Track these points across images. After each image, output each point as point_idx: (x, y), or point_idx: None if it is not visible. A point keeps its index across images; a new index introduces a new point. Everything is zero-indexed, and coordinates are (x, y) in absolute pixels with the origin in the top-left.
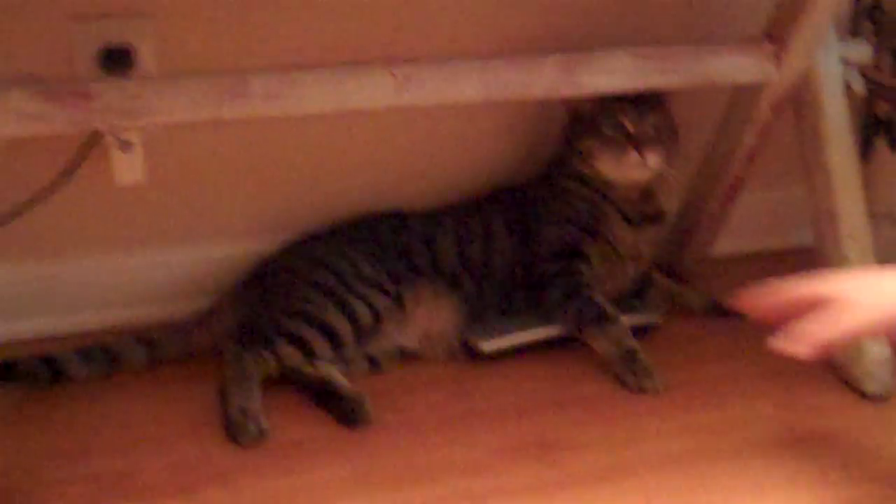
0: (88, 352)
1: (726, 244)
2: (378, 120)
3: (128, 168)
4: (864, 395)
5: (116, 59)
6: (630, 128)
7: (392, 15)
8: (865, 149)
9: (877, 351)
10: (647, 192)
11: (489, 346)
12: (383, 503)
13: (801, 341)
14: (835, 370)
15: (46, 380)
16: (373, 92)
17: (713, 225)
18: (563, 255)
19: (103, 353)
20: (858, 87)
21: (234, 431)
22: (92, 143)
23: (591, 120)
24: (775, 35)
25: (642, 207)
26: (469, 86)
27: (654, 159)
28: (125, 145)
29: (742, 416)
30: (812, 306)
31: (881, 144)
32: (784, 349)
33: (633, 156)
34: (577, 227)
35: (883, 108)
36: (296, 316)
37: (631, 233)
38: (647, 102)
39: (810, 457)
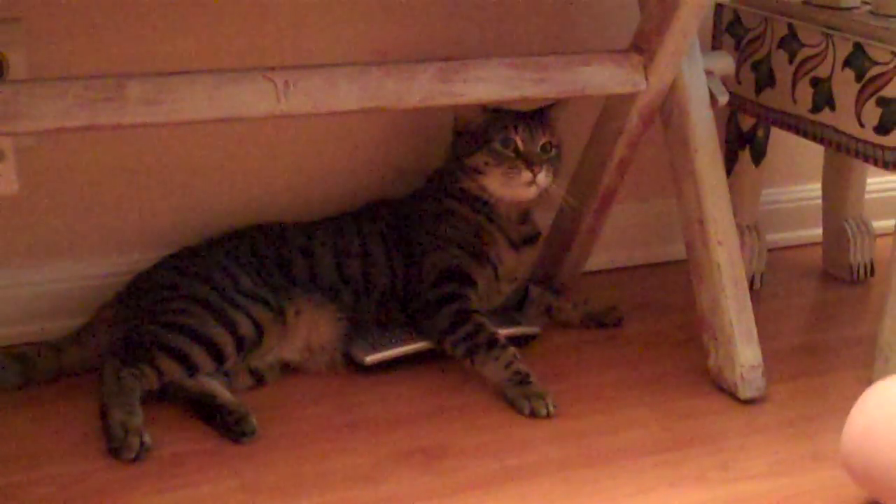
0: None
1: (600, 258)
2: (258, 130)
3: (0, 178)
4: (738, 399)
5: None
6: (521, 145)
7: (271, 22)
8: (729, 162)
9: (749, 356)
10: (525, 213)
11: (371, 357)
12: None
13: None
14: (710, 377)
15: None
16: (252, 99)
17: (588, 237)
18: (449, 279)
19: None
20: (723, 97)
21: (117, 447)
22: None
23: (481, 135)
24: (643, 46)
25: (521, 229)
26: (347, 93)
27: (543, 178)
28: None
29: (621, 421)
30: None
31: (745, 158)
32: None
33: (526, 175)
34: (464, 252)
35: (746, 122)
36: (176, 330)
37: (512, 256)
38: (536, 119)
39: (689, 459)
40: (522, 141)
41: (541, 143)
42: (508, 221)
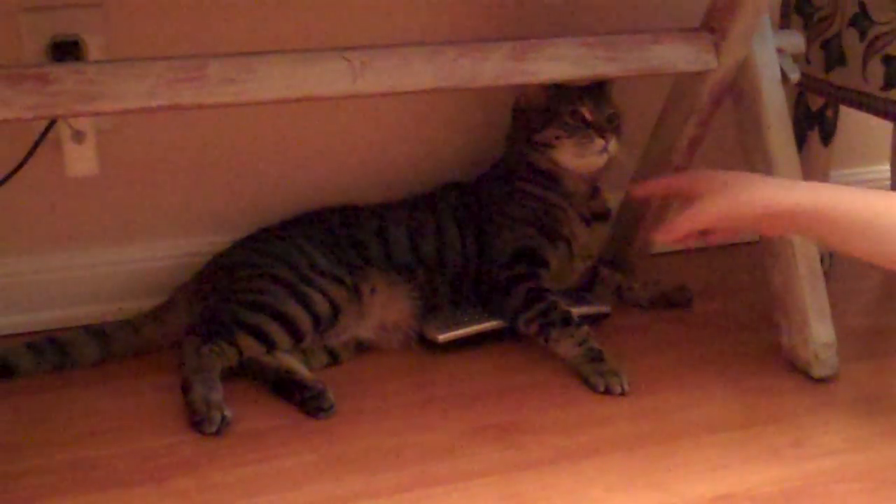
0: (39, 346)
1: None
2: (331, 113)
3: (80, 159)
4: (811, 378)
5: (66, 52)
6: (589, 116)
7: (347, 3)
8: (798, 142)
9: (823, 335)
10: (593, 188)
11: (444, 336)
12: (352, 488)
13: (664, 230)
14: (782, 355)
15: None
16: (329, 78)
17: (657, 217)
18: (522, 259)
19: (54, 346)
20: (795, 75)
21: (199, 420)
22: (43, 134)
23: (547, 111)
24: (714, 25)
25: (591, 204)
26: (422, 72)
27: (613, 145)
28: (78, 135)
29: (693, 399)
30: (686, 196)
31: (814, 138)
32: (658, 239)
33: (598, 142)
34: (536, 230)
35: (815, 102)
36: (255, 308)
37: (585, 231)
38: (598, 90)
39: (763, 436)
40: (590, 112)
41: (606, 113)
42: (578, 196)
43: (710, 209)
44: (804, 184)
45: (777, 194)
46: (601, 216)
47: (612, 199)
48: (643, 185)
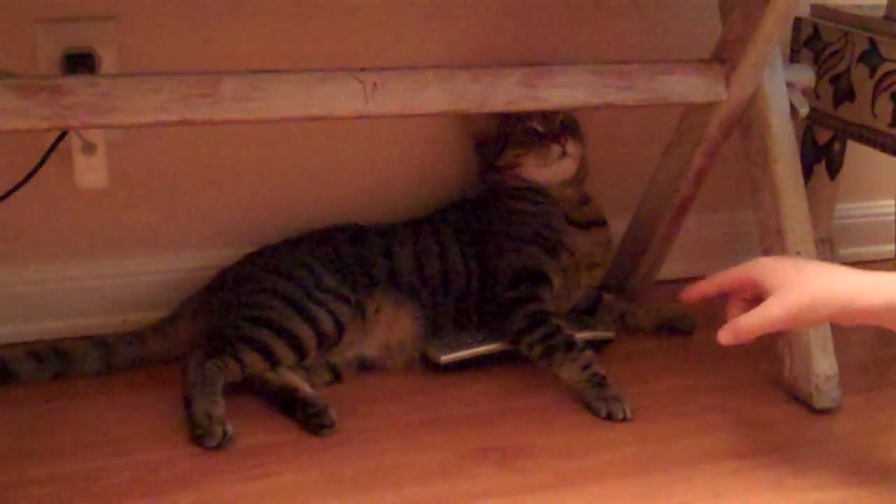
0: (40, 353)
1: (673, 267)
2: (340, 131)
3: (90, 171)
4: (813, 409)
5: (79, 64)
6: (540, 127)
7: (360, 26)
8: (805, 176)
9: (825, 367)
10: (581, 194)
11: (447, 357)
12: None
13: (731, 332)
14: (784, 386)
15: None
16: (341, 98)
17: (662, 245)
18: (524, 280)
19: (56, 354)
20: (804, 109)
21: (200, 434)
22: (54, 145)
23: (501, 135)
24: (725, 56)
25: (584, 210)
26: (434, 95)
27: (572, 146)
28: (89, 147)
29: (695, 427)
30: (744, 291)
31: (820, 171)
32: (722, 341)
33: (555, 148)
34: (537, 247)
35: (823, 136)
36: (259, 323)
37: (585, 237)
38: None
39: (765, 465)
40: (540, 123)
41: (557, 120)
42: (569, 204)
43: (783, 307)
44: (889, 278)
45: (862, 293)
46: (597, 222)
47: (618, 226)
48: (695, 289)
